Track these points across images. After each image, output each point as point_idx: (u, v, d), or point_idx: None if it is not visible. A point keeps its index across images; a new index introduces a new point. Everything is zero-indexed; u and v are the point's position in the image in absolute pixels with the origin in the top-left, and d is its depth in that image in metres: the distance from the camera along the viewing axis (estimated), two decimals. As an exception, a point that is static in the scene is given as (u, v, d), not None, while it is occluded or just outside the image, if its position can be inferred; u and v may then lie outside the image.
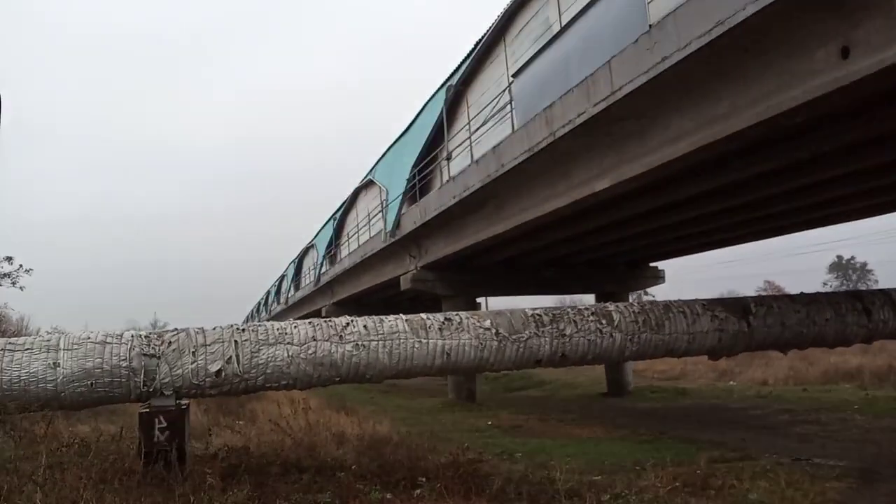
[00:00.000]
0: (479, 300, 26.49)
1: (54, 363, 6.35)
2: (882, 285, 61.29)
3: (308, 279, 38.21)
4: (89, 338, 6.60)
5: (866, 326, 8.94)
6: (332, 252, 31.48)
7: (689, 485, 7.22)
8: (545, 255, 17.64)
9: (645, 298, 40.82)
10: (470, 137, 13.90)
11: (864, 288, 63.53)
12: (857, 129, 7.40)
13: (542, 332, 7.87)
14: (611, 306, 8.30)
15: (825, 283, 64.39)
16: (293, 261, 45.82)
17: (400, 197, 18.23)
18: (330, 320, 7.41)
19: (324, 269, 32.54)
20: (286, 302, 45.72)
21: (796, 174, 9.15)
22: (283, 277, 51.68)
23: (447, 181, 14.81)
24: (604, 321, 8.08)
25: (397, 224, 18.37)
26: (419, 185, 17.37)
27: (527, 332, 7.86)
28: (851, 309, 8.95)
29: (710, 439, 11.09)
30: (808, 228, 14.71)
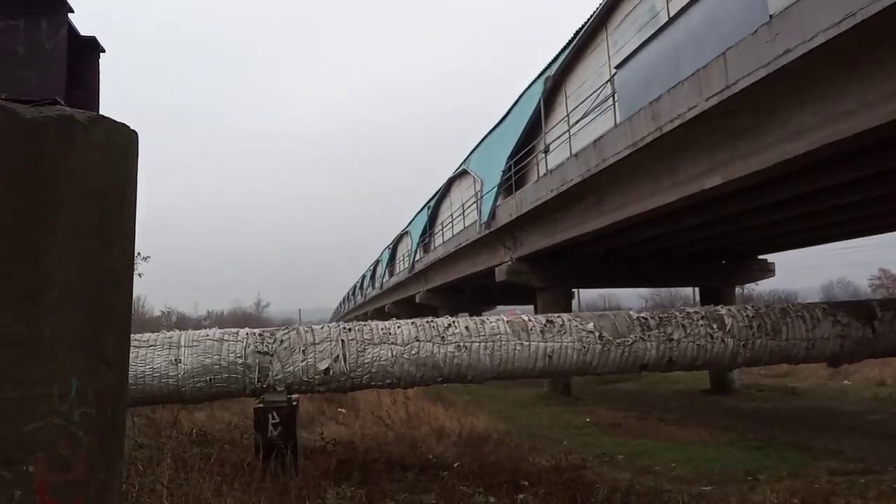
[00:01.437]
0: (574, 291, 26.14)
1: (176, 359, 6.70)
2: None
3: (402, 266, 38.89)
4: (208, 335, 6.92)
5: None
6: (426, 241, 31.84)
7: (809, 503, 6.80)
8: (644, 248, 17.11)
9: (752, 291, 38.68)
10: (569, 130, 13.62)
11: None
12: None
13: (649, 336, 7.60)
14: (722, 310, 7.92)
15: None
16: (388, 247, 46.77)
17: (495, 188, 18.16)
18: (432, 321, 7.45)
19: (418, 257, 32.98)
20: (381, 287, 46.75)
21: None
22: (377, 262, 52.90)
23: (544, 174, 14.62)
24: (714, 325, 7.72)
25: (492, 215, 18.33)
26: (515, 177, 17.21)
27: (632, 336, 7.62)
28: None
29: (826, 447, 10.45)
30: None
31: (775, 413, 14.87)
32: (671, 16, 9.67)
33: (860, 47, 6.04)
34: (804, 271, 72.48)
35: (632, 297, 61.77)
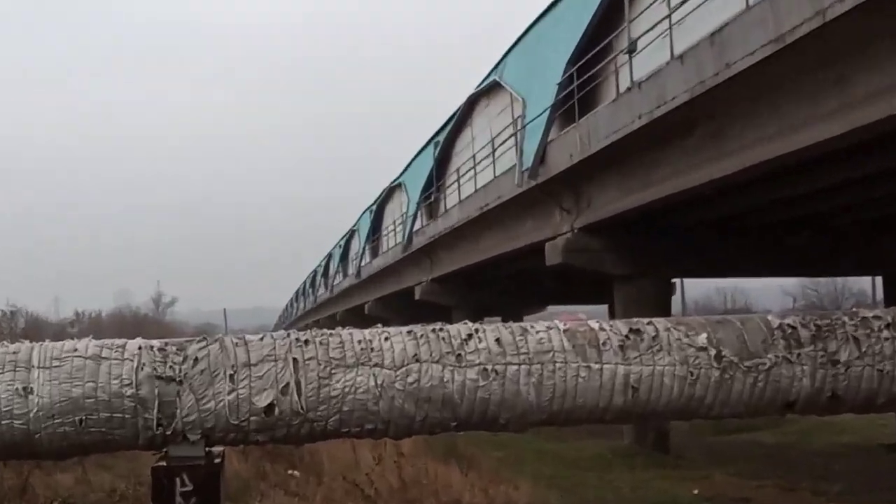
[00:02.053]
0: (675, 282, 26.09)
1: (24, 388, 6.70)
2: None
3: (391, 240, 39.05)
4: (76, 351, 6.91)
5: None
6: (431, 198, 31.91)
7: None
8: (790, 211, 17.03)
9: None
10: (669, 16, 13.50)
11: None
12: None
13: (798, 356, 7.54)
14: (914, 311, 7.85)
15: None
16: (368, 209, 47.03)
17: (545, 113, 18.07)
18: (441, 329, 7.40)
19: (417, 226, 33.05)
20: (357, 273, 47.06)
21: None
22: (352, 233, 53.27)
23: (627, 90, 14.58)
24: (910, 337, 7.65)
25: (541, 157, 18.31)
26: (578, 94, 17.12)
27: (770, 355, 7.55)
28: None
29: None
30: None
31: None
32: None
33: None
34: None
35: (770, 293, 61.66)
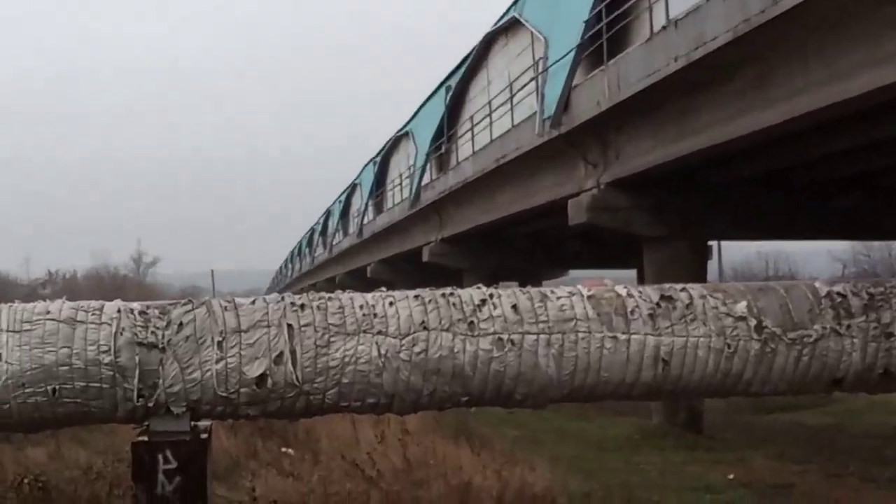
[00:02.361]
0: (711, 245, 26.05)
1: (-8, 354, 6.76)
2: None
3: (397, 196, 39.05)
4: (48, 313, 6.95)
5: None
6: (442, 149, 31.87)
7: None
8: (841, 168, 16.97)
9: None
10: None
11: None
12: None
13: (849, 327, 7.57)
14: None
15: None
16: (372, 160, 47.03)
17: (571, 54, 17.98)
18: (453, 293, 7.44)
19: (426, 180, 33.04)
20: (359, 232, 47.15)
21: None
22: (353, 188, 53.31)
23: (661, 29, 14.49)
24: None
25: (565, 104, 18.24)
26: (608, 33, 17.02)
27: (817, 326, 7.58)
28: None
29: None
30: None
31: None
32: None
33: None
34: None
35: (818, 258, 61.56)
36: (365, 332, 7.19)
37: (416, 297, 7.46)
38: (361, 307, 7.33)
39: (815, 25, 11.13)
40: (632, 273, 30.01)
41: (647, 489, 12.64)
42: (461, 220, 29.35)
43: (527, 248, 32.00)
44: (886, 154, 15.84)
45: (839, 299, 7.73)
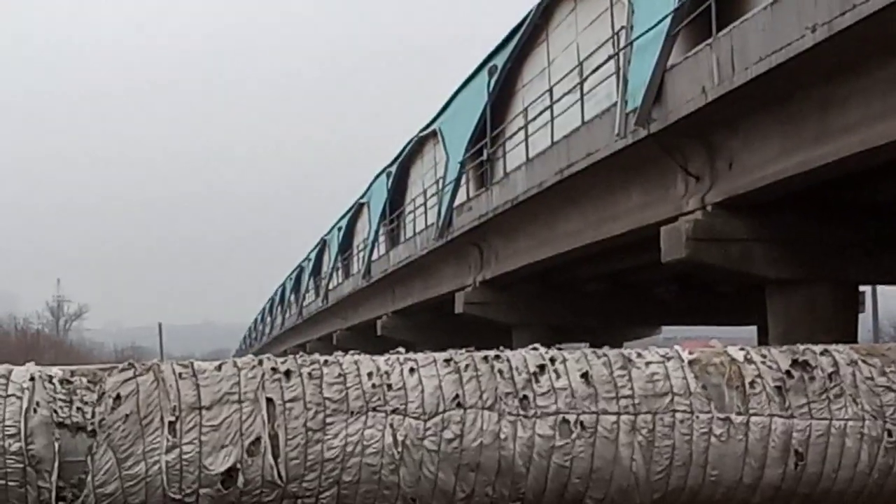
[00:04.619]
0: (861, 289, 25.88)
1: None
2: None
3: (419, 221, 38.93)
4: (-67, 378, 6.99)
5: None
6: (483, 156, 31.72)
7: None
8: None
9: None
10: None
11: None
12: None
13: None
14: None
15: None
16: (385, 171, 46.99)
17: (667, 22, 17.95)
18: (498, 358, 7.39)
19: (460, 199, 32.83)
20: (366, 272, 47.04)
21: None
22: (359, 208, 53.52)
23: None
24: None
25: (657, 91, 18.19)
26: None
27: None
28: None
29: None
30: None
31: None
32: None
33: None
34: None
35: None
36: (376, 410, 7.17)
37: (448, 361, 7.43)
38: (370, 375, 7.30)
39: None
40: (750, 331, 29.91)
41: None
42: (510, 256, 29.42)
43: (602, 296, 31.91)
44: None
45: None
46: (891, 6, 12.15)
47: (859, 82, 14.11)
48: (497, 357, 7.48)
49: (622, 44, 20.24)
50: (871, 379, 7.52)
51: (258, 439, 7.00)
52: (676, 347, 7.86)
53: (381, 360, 7.42)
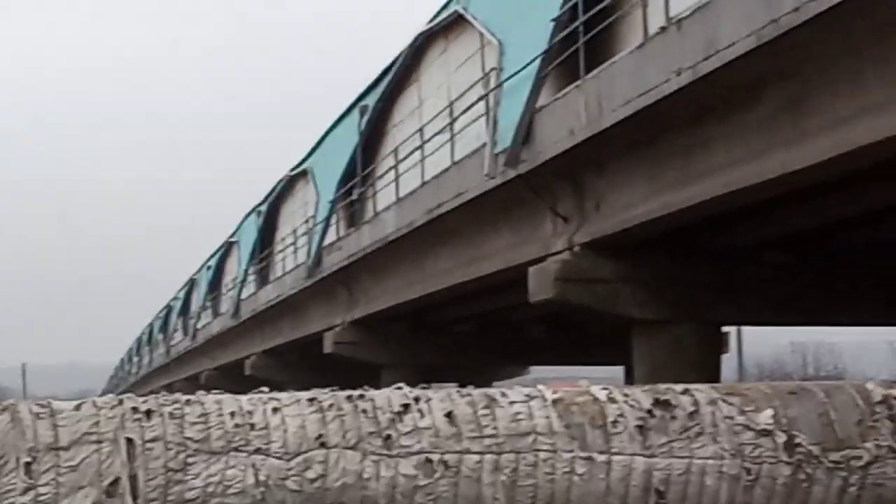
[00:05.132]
0: (725, 330, 26.16)
1: None
2: None
3: (289, 260, 38.74)
4: None
5: None
6: (353, 195, 31.84)
7: None
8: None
9: None
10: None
11: None
12: None
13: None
14: None
15: None
16: (255, 209, 46.72)
17: (536, 64, 18.09)
18: (362, 396, 7.39)
19: (330, 238, 32.73)
20: (235, 311, 46.69)
21: None
22: (229, 247, 53.05)
23: (659, 31, 14.70)
24: None
25: (526, 132, 18.26)
26: (585, 37, 17.14)
27: (869, 443, 7.65)
28: None
29: None
30: None
31: None
32: None
33: None
34: None
35: (875, 353, 62.18)
36: (238, 450, 7.12)
37: (311, 400, 7.39)
38: (233, 415, 7.24)
39: (867, 29, 11.28)
40: (619, 371, 30.10)
41: None
42: (379, 296, 29.31)
43: (472, 335, 31.98)
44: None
45: (906, 407, 7.79)
46: (753, 51, 12.34)
47: (722, 126, 14.25)
48: (361, 396, 7.46)
49: (492, 84, 20.29)
50: (731, 418, 7.61)
51: (117, 480, 6.92)
52: (540, 387, 7.90)
53: (244, 399, 7.37)
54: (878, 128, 11.80)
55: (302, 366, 37.96)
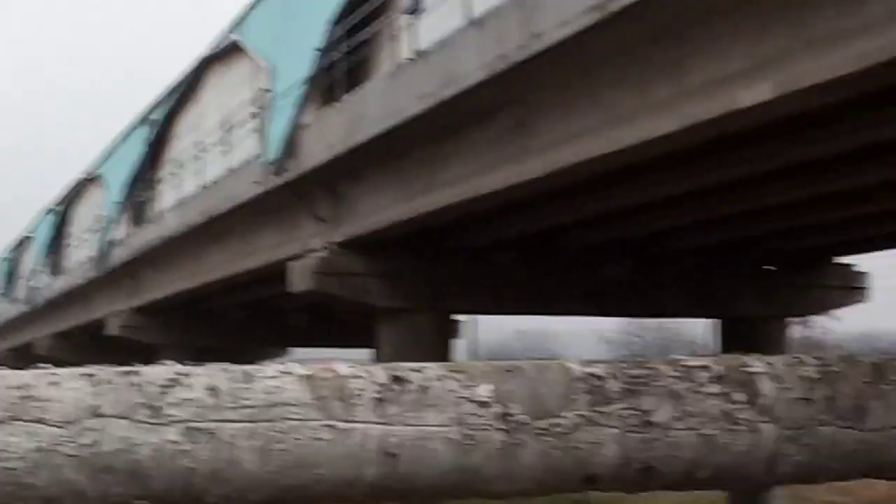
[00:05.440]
0: (461, 319, 26.38)
1: None
2: None
3: (81, 254, 37.81)
4: None
5: None
6: (139, 199, 31.22)
7: None
8: (609, 233, 17.58)
9: (817, 331, 40.85)
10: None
11: None
12: None
13: (606, 414, 7.80)
14: (757, 365, 8.26)
15: None
16: (51, 209, 45.41)
17: (303, 88, 18.03)
18: (134, 372, 7.24)
19: (120, 235, 32.07)
20: (28, 299, 45.32)
21: None
22: (23, 242, 51.38)
23: (407, 61, 14.69)
24: (740, 396, 8.01)
25: (291, 146, 18.21)
26: (345, 63, 17.09)
27: (570, 413, 7.74)
28: None
29: None
30: None
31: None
32: None
33: None
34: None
35: (585, 339, 63.60)
36: (17, 419, 6.90)
37: (87, 375, 7.20)
38: (14, 388, 7.02)
39: (580, 66, 11.45)
40: (368, 354, 30.13)
41: None
42: (160, 286, 28.67)
43: (242, 321, 31.52)
44: (659, 219, 16.29)
45: (596, 382, 7.95)
46: (482, 84, 12.40)
47: (459, 144, 14.31)
48: (133, 372, 7.29)
49: (263, 103, 20.08)
50: (454, 391, 7.66)
51: None
52: (292, 363, 7.83)
53: (24, 373, 7.13)
54: (584, 150, 12.01)
55: (90, 347, 36.77)
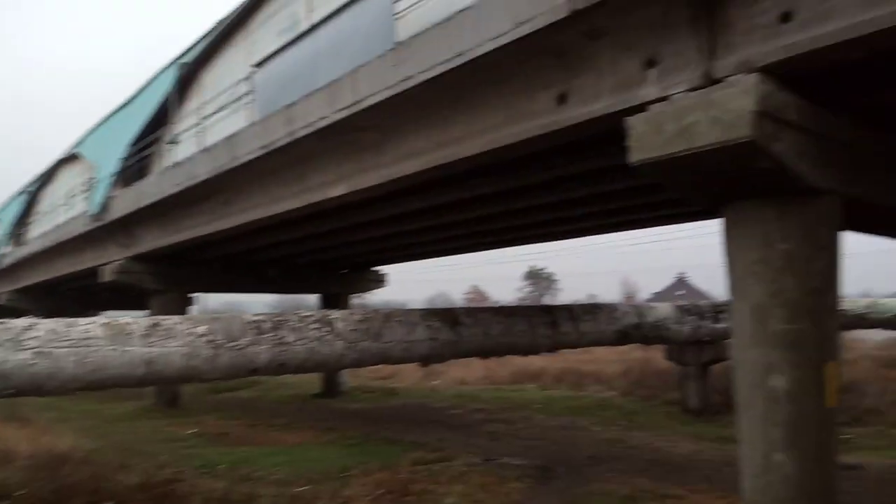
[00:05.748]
0: (194, 296, 24.56)
1: None
2: (564, 291, 72.17)
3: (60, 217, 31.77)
4: None
5: (552, 337, 9.62)
6: (21, 231, 26.66)
7: (392, 491, 7.30)
8: (269, 253, 16.94)
9: (365, 300, 41.64)
10: (201, 123, 12.74)
11: (550, 292, 72.88)
12: (563, 167, 8.23)
13: (262, 339, 7.33)
14: (335, 314, 8.05)
15: (521, 289, 73.70)
16: (22, 193, 37.30)
17: (113, 177, 16.06)
18: (6, 322, 6.05)
19: (6, 250, 27.33)
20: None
21: (509, 199, 9.95)
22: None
23: (169, 167, 13.41)
24: (326, 328, 7.79)
25: (105, 206, 16.18)
26: (137, 166, 15.49)
27: (245, 339, 7.24)
28: (542, 322, 9.58)
29: (414, 440, 11.54)
30: (513, 245, 16.26)
31: (376, 412, 15.99)
32: (311, 25, 9.73)
33: (468, 84, 6.79)
34: (414, 285, 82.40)
35: (260, 305, 61.42)
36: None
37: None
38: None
39: (257, 172, 10.70)
40: (146, 313, 27.28)
41: (140, 443, 11.31)
42: (31, 277, 24.60)
43: (77, 296, 27.34)
44: (291, 248, 15.77)
45: (259, 324, 7.46)
46: (206, 181, 11.52)
47: (193, 210, 13.10)
48: (6, 323, 6.15)
49: (91, 184, 17.86)
50: (186, 329, 6.92)
51: None
52: (100, 317, 6.79)
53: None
54: (257, 215, 11.22)
55: (42, 299, 29.36)
